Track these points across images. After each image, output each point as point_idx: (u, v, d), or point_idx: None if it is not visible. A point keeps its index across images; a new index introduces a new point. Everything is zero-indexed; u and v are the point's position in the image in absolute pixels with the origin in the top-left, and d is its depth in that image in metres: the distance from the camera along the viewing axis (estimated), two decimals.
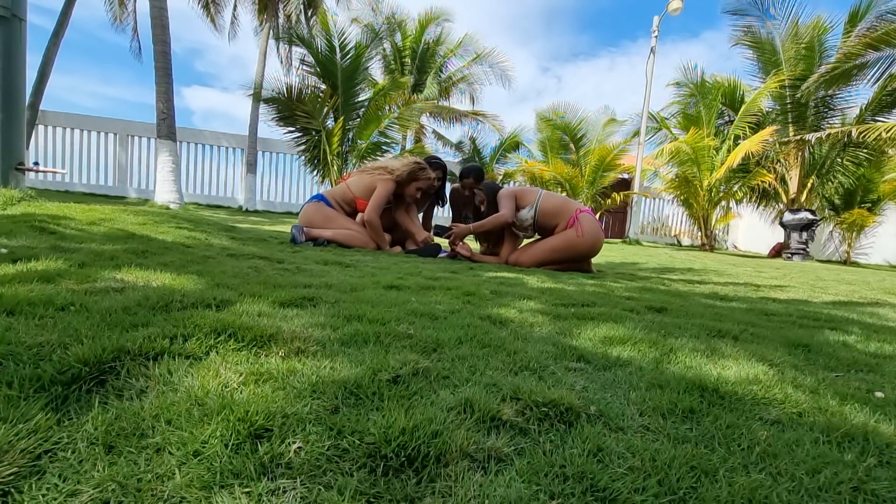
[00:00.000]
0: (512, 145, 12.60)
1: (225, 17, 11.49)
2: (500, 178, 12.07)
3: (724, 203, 10.50)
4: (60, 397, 0.62)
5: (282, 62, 12.03)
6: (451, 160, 12.21)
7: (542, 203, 3.29)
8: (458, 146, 13.26)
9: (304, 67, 8.94)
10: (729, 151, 9.22)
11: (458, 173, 3.79)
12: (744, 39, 9.67)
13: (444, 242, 3.65)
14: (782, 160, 9.61)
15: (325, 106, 8.31)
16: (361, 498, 0.48)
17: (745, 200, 10.66)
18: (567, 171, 10.64)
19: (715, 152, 9.55)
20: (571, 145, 11.23)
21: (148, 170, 10.03)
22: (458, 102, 13.86)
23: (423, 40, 12.74)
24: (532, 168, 11.12)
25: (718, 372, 0.96)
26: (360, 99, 9.07)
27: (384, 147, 9.04)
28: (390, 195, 3.48)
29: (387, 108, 8.85)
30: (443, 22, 12.65)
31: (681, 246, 11.74)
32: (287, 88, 8.13)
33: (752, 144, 8.55)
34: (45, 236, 1.88)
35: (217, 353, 0.82)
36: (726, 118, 10.29)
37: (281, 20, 11.25)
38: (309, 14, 11.10)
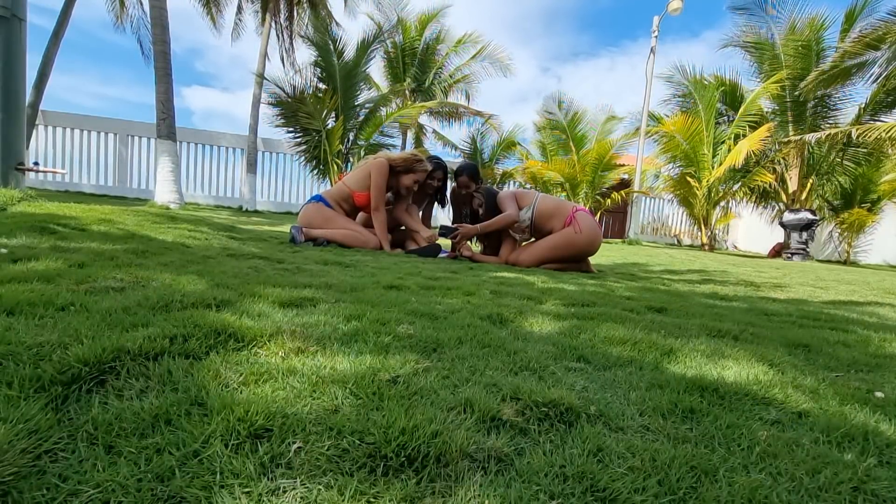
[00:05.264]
0: (509, 143, 12.62)
1: (226, 16, 11.49)
2: (499, 177, 12.07)
3: (723, 203, 10.51)
4: (60, 397, 0.62)
5: (283, 62, 12.03)
6: (452, 160, 12.23)
7: (539, 205, 3.30)
8: (457, 142, 13.29)
9: (314, 70, 8.95)
10: (729, 150, 9.23)
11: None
12: (744, 39, 9.70)
13: (445, 242, 3.65)
14: (782, 160, 9.62)
15: (326, 106, 8.32)
16: (361, 498, 0.48)
17: (744, 200, 10.67)
18: (566, 169, 10.63)
19: (711, 149, 9.55)
20: (571, 145, 11.22)
21: (148, 170, 10.02)
22: (458, 102, 13.86)
23: (423, 39, 12.74)
24: (532, 167, 11.12)
25: (718, 372, 0.96)
26: (359, 100, 9.08)
27: (384, 147, 9.05)
28: (387, 178, 3.46)
29: (386, 109, 8.87)
30: (440, 19, 12.66)
31: (681, 246, 11.74)
32: (290, 88, 8.15)
33: (751, 143, 8.55)
34: (45, 236, 1.88)
35: (217, 353, 0.82)
36: (727, 117, 10.29)
37: (283, 18, 11.25)
38: (311, 13, 11.09)
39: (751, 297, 2.38)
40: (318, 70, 8.74)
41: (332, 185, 8.27)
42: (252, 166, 10.14)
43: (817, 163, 9.45)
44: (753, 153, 8.83)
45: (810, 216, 8.69)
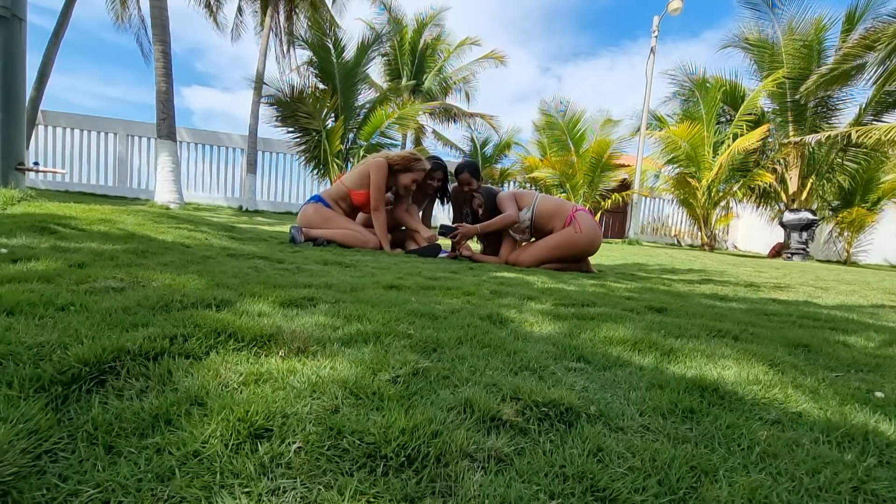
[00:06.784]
0: (509, 143, 12.65)
1: (227, 14, 11.50)
2: (499, 176, 12.07)
3: (723, 203, 10.51)
4: (60, 397, 0.62)
5: (278, 62, 12.04)
6: (452, 160, 12.22)
7: (539, 205, 3.30)
8: (456, 142, 13.33)
9: (311, 70, 8.95)
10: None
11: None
12: (745, 38, 9.69)
13: (445, 242, 3.65)
14: (782, 161, 9.62)
15: (326, 106, 8.31)
16: (361, 498, 0.48)
17: (745, 200, 10.67)
18: (566, 169, 10.62)
19: (711, 149, 9.55)
20: (571, 145, 11.22)
21: (148, 170, 10.02)
22: (458, 102, 13.91)
23: (421, 40, 12.76)
24: (533, 165, 11.11)
25: (718, 372, 0.96)
26: (359, 100, 9.08)
27: (384, 147, 9.06)
28: (387, 177, 3.46)
29: (385, 109, 8.87)
30: (439, 21, 12.70)
31: (681, 246, 11.73)
32: (289, 88, 8.15)
33: (745, 142, 8.58)
34: (45, 236, 1.88)
35: (217, 353, 0.82)
36: (728, 116, 10.29)
37: (282, 18, 11.26)
38: (309, 14, 11.10)
39: (751, 298, 2.38)
40: (317, 70, 8.74)
41: (331, 185, 8.26)
42: (252, 166, 10.14)
43: (817, 163, 9.45)
44: (753, 152, 8.84)
45: (810, 216, 8.69)
